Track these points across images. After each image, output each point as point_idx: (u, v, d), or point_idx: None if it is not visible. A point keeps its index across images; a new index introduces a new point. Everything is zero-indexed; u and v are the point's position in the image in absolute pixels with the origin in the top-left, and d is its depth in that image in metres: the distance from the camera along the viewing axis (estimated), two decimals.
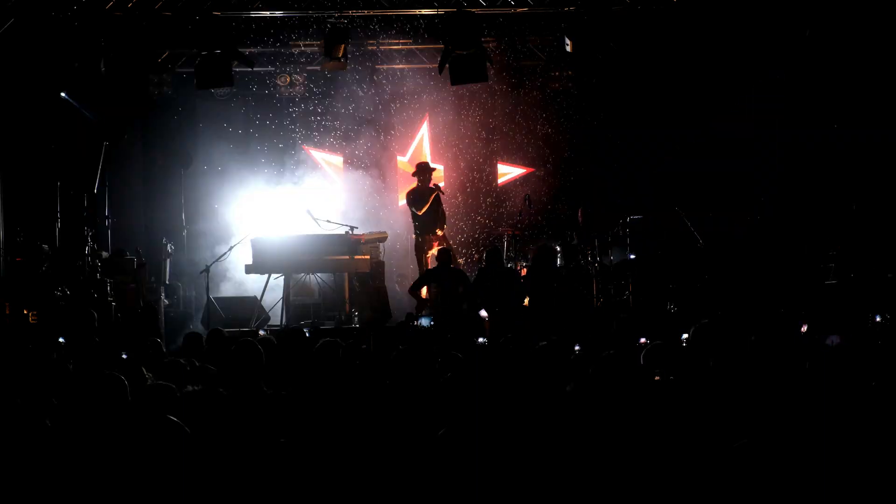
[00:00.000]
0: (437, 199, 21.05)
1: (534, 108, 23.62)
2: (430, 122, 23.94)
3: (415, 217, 21.04)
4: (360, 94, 23.52)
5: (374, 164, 23.89)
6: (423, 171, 21.35)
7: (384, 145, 24.01)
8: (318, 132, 23.86)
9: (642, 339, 13.19)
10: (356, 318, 19.53)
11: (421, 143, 24.14)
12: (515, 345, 11.12)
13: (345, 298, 19.91)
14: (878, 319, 16.78)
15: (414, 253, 21.50)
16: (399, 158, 24.16)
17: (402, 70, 23.69)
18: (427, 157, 23.82)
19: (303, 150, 23.92)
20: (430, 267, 19.96)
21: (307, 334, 13.41)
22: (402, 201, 22.50)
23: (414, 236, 21.29)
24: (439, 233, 20.93)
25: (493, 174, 24.20)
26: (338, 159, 24.08)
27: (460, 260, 21.84)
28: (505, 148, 24.03)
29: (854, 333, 11.90)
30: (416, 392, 8.15)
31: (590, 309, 18.85)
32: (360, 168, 23.80)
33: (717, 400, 7.65)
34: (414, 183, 21.41)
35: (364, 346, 13.03)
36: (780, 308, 18.60)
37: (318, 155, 24.08)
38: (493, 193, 24.02)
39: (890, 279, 18.77)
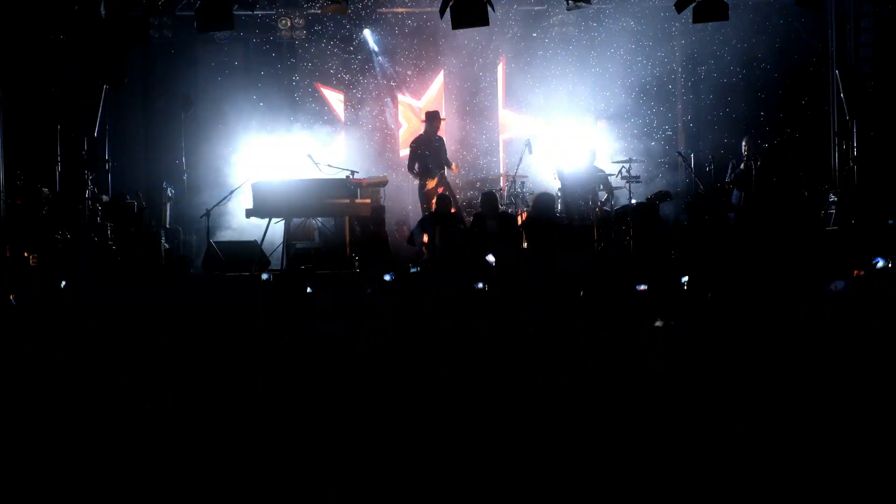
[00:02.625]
0: (444, 146, 21.10)
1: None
2: (446, 71, 23.86)
3: (420, 175, 21.01)
4: (362, 37, 23.49)
5: (375, 108, 23.86)
6: (433, 118, 21.27)
7: (386, 89, 23.95)
8: (319, 75, 23.80)
9: (641, 287, 13.18)
10: (357, 263, 19.52)
11: (440, 91, 24.03)
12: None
13: (345, 243, 19.88)
14: (880, 264, 16.77)
15: (418, 197, 21.47)
16: (414, 102, 24.06)
17: (403, 14, 23.59)
18: (442, 104, 23.76)
19: (314, 87, 23.83)
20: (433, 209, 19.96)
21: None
22: (404, 151, 22.59)
23: (417, 182, 21.26)
24: (439, 173, 20.89)
25: (496, 122, 24.16)
26: (339, 96, 24.03)
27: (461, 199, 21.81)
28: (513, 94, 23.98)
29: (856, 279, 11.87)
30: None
31: (590, 254, 18.85)
32: (360, 111, 23.78)
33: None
34: (420, 130, 21.40)
35: (369, 291, 13.02)
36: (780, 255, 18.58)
37: (327, 93, 23.99)
38: (495, 138, 23.99)
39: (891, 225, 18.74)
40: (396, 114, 23.92)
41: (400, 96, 24.04)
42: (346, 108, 23.88)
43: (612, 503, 6.05)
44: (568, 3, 19.36)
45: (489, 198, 19.11)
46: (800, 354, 7.01)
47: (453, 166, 21.43)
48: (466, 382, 6.63)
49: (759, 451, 6.05)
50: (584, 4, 19.32)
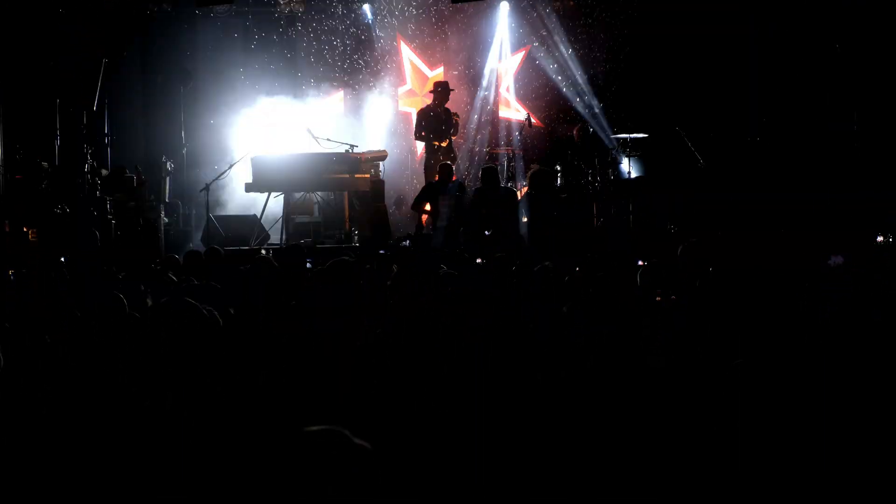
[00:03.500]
0: (450, 118, 20.96)
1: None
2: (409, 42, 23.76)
3: (426, 138, 20.94)
4: (362, 11, 23.46)
5: (375, 84, 23.81)
6: (440, 89, 21.15)
7: (386, 62, 23.89)
8: (316, 54, 23.74)
9: (640, 262, 13.17)
10: (356, 237, 19.54)
11: (413, 64, 23.94)
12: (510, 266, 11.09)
13: (344, 217, 19.93)
14: (879, 239, 16.78)
15: (423, 169, 21.39)
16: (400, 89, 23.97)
17: None
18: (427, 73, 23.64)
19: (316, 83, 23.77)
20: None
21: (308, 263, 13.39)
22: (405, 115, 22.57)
23: (423, 153, 21.20)
24: (444, 144, 20.78)
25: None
26: (338, 94, 23.89)
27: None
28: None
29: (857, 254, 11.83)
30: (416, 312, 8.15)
31: (590, 229, 18.83)
32: (361, 86, 23.72)
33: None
34: (427, 101, 21.31)
35: (368, 266, 13.00)
36: (780, 228, 18.56)
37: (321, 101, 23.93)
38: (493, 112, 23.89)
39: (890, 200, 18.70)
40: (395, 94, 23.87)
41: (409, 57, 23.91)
42: (345, 98, 23.79)
43: (612, 502, 6.08)
44: None
45: (489, 172, 19.08)
46: (799, 351, 7.04)
47: (456, 120, 21.24)
48: (466, 379, 6.66)
49: (759, 449, 6.06)
50: None
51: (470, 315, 7.53)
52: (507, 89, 23.92)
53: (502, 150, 21.93)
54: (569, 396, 6.59)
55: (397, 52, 23.84)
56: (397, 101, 23.99)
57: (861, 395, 6.36)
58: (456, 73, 23.45)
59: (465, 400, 6.47)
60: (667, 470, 6.19)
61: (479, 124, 23.23)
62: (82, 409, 6.11)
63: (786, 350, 6.97)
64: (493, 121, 23.61)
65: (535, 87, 23.57)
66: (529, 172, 19.36)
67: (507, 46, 23.73)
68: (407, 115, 23.64)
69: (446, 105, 21.05)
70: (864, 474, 6.03)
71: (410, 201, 20.60)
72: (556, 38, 23.16)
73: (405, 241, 18.03)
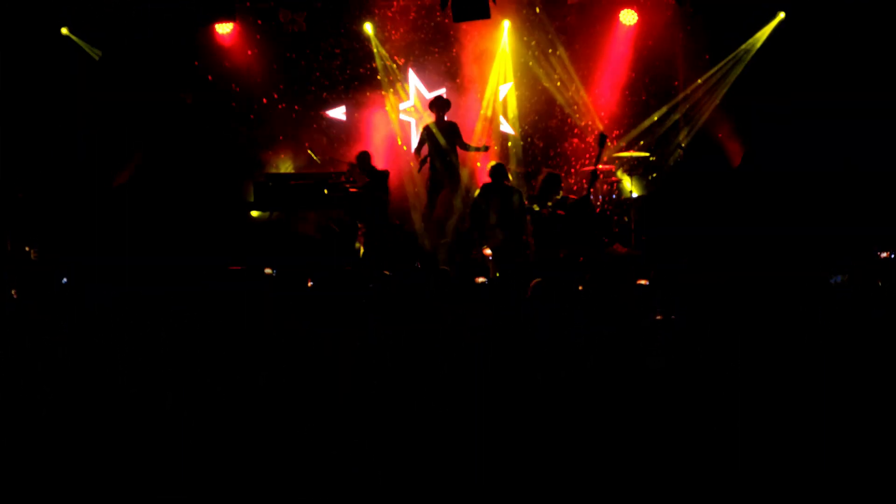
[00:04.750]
0: (454, 131, 20.85)
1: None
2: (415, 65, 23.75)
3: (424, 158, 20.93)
4: (363, 30, 23.48)
5: (377, 102, 23.81)
6: (436, 105, 21.13)
7: (388, 78, 23.89)
8: (320, 72, 23.77)
9: (642, 281, 13.17)
10: (359, 255, 19.53)
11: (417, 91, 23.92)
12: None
13: (348, 235, 19.92)
14: (882, 255, 16.75)
15: (424, 189, 21.39)
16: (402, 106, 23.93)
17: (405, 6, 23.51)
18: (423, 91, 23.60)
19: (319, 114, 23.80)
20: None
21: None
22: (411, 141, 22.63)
23: (429, 172, 21.14)
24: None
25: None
26: (339, 110, 23.89)
27: None
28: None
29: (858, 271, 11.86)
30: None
31: (595, 241, 18.80)
32: (363, 104, 23.72)
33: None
34: (430, 118, 21.32)
35: (371, 286, 13.03)
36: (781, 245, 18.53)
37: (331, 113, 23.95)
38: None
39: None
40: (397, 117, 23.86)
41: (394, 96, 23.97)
42: (347, 111, 23.78)
43: (612, 502, 6.07)
44: None
45: (498, 169, 19.05)
46: (799, 350, 7.01)
47: (475, 146, 21.21)
48: (466, 380, 6.65)
49: (758, 448, 6.08)
50: None
51: (470, 315, 7.55)
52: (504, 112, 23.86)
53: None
54: (569, 396, 6.59)
55: (405, 76, 23.77)
56: (399, 116, 23.96)
57: (860, 395, 6.37)
58: (456, 88, 23.47)
59: (466, 400, 6.46)
60: (666, 469, 6.18)
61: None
62: (82, 409, 6.10)
63: (785, 350, 6.96)
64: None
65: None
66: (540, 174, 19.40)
67: (508, 64, 23.70)
68: (408, 125, 23.65)
69: (447, 118, 21.01)
70: (864, 473, 6.03)
71: (415, 216, 20.67)
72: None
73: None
